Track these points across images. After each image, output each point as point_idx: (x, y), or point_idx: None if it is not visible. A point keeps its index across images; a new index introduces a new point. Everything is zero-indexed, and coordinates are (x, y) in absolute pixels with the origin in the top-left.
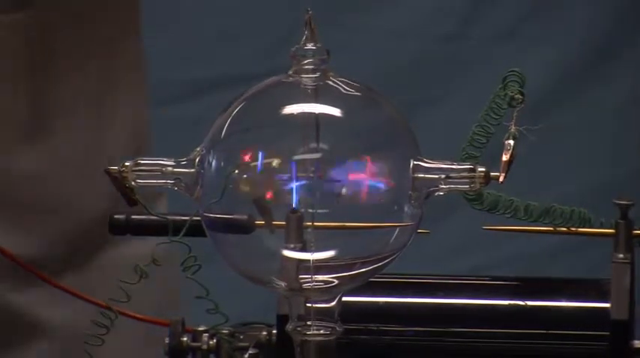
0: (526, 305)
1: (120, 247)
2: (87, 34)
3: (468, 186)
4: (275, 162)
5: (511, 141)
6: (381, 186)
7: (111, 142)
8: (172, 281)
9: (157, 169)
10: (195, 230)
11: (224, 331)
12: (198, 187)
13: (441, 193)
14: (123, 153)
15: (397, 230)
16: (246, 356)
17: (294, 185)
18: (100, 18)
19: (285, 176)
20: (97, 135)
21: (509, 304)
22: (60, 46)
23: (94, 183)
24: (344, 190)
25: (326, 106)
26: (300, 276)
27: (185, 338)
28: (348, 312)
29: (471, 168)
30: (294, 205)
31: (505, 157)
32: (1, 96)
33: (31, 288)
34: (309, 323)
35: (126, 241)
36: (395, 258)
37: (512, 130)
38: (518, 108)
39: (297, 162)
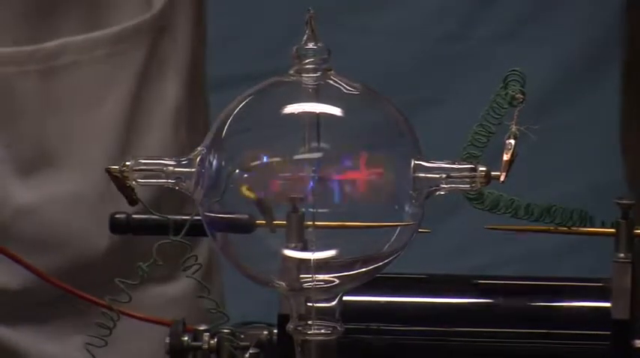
0: (527, 304)
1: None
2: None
3: (469, 186)
4: (276, 162)
5: (512, 141)
6: (382, 185)
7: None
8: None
9: (157, 169)
10: (197, 229)
11: (225, 330)
12: (199, 187)
13: (442, 193)
14: None
15: (398, 229)
16: (247, 355)
17: (294, 184)
18: None
19: (286, 175)
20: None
21: (511, 304)
22: (66, 80)
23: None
24: (345, 189)
25: (327, 106)
26: (301, 276)
27: (186, 338)
28: (349, 312)
29: (472, 167)
30: (294, 204)
31: (506, 157)
32: (5, 130)
33: (22, 324)
34: (310, 322)
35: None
36: (396, 258)
37: (513, 130)
38: (519, 108)
39: (298, 161)
